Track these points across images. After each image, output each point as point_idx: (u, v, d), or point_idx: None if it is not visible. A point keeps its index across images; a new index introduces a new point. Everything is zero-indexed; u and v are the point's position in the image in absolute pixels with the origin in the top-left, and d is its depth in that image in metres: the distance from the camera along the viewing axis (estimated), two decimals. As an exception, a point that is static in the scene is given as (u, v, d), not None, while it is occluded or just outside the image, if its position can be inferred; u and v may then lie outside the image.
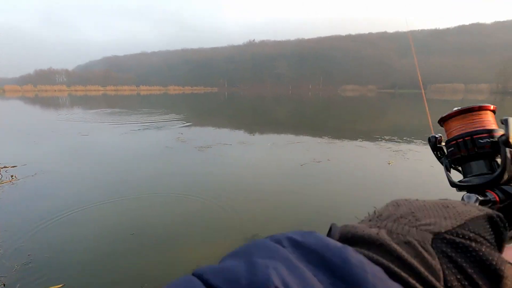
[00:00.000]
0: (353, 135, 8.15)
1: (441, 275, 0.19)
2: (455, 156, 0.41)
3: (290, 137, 8.15)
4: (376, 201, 3.49)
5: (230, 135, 8.14)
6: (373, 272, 0.18)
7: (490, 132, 0.37)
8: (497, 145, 0.37)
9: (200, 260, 2.28)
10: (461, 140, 0.37)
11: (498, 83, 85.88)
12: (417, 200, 0.25)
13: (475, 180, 0.38)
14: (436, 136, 0.48)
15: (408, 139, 7.52)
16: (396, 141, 7.18)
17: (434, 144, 0.45)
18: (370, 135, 8.17)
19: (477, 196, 0.37)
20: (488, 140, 0.37)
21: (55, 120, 12.18)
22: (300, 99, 39.03)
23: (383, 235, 0.20)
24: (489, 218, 0.23)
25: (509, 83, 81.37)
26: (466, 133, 0.39)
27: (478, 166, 0.38)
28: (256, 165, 5.08)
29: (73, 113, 15.48)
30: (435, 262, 0.19)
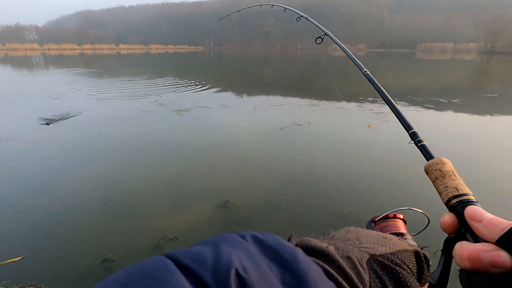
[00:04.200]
0: (337, 97, 8.01)
1: (368, 285, 0.24)
2: None
3: (274, 99, 7.95)
4: (351, 164, 3.48)
5: (212, 98, 7.85)
6: (315, 269, 0.22)
7: (402, 234, 0.43)
8: None
9: (170, 228, 2.24)
10: None
11: (487, 43, 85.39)
12: (365, 229, 0.32)
13: None
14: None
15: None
16: (380, 103, 7.11)
17: None
18: (354, 97, 8.06)
19: None
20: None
21: (27, 82, 11.37)
22: (288, 58, 37.82)
23: (331, 249, 0.25)
24: (416, 253, 0.30)
25: (498, 42, 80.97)
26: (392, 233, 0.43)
27: None
28: (233, 130, 4.94)
29: (50, 74, 14.47)
30: (366, 275, 0.25)
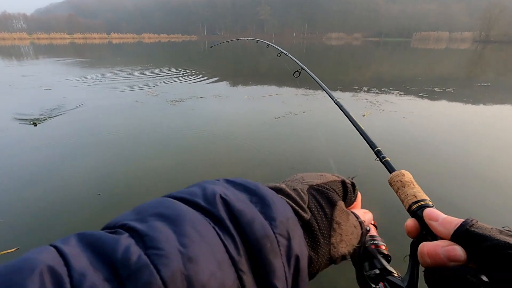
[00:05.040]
0: (332, 86, 7.98)
1: (307, 203, 0.34)
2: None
3: (269, 88, 7.90)
4: (343, 153, 3.51)
5: (206, 88, 7.77)
6: (271, 192, 0.32)
7: (374, 237, 0.46)
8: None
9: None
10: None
11: (482, 31, 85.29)
12: (308, 173, 0.40)
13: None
14: None
15: (386, 89, 7.48)
16: (375, 92, 7.12)
17: None
18: (349, 86, 8.06)
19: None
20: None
21: (20, 74, 11.10)
22: (283, 47, 37.39)
23: (283, 185, 0.35)
24: (342, 182, 0.39)
25: (493, 31, 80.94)
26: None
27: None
28: (228, 120, 4.92)
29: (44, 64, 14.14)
30: (306, 197, 0.34)
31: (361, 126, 0.88)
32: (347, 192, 0.39)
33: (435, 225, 0.35)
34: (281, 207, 0.30)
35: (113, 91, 7.23)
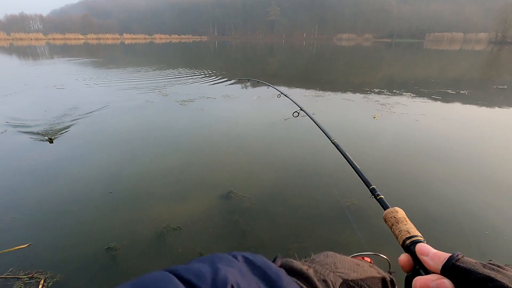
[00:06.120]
0: (342, 88, 7.91)
1: None
2: None
3: (278, 89, 7.86)
4: (355, 156, 3.45)
5: (216, 88, 7.80)
6: (293, 285, 0.26)
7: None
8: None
9: (173, 218, 2.26)
10: None
11: (498, 32, 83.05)
12: (342, 255, 0.36)
13: None
14: None
15: (397, 91, 7.36)
16: (386, 94, 7.01)
17: None
18: (360, 88, 7.95)
19: None
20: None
21: (40, 73, 11.40)
22: (293, 48, 37.30)
23: (310, 272, 0.30)
24: (383, 279, 0.36)
25: (509, 32, 78.69)
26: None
27: None
28: (237, 120, 4.92)
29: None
30: None
31: (357, 165, 0.95)
32: None
33: (426, 260, 0.36)
34: None
35: (126, 90, 7.33)
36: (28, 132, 4.14)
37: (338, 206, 2.41)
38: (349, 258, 0.36)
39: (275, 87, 2.87)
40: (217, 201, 2.50)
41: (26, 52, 26.17)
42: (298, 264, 0.31)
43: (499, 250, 2.00)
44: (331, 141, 1.23)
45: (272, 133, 4.25)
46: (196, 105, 5.72)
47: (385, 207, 0.63)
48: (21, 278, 1.70)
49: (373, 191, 0.76)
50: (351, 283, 0.32)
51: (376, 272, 0.36)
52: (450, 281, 0.32)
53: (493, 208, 2.45)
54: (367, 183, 0.82)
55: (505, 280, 0.28)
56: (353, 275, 0.33)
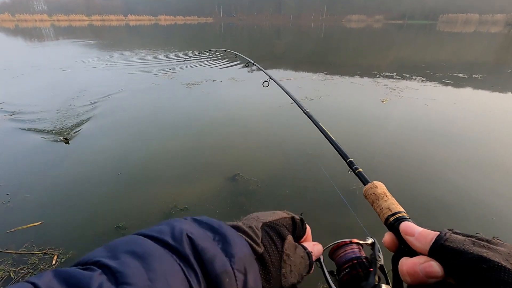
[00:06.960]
0: (350, 71, 7.74)
1: (261, 238, 0.37)
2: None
3: (285, 73, 7.75)
4: (361, 140, 3.42)
5: (222, 71, 7.71)
6: (232, 231, 0.35)
7: (360, 258, 0.43)
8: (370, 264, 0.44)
9: (180, 199, 2.30)
10: (355, 261, 0.43)
11: (516, 14, 79.21)
12: (263, 211, 0.44)
13: None
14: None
15: (407, 75, 7.17)
16: (395, 78, 6.85)
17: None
18: (368, 71, 7.78)
19: None
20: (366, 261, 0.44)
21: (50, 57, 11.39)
22: (301, 30, 36.35)
23: (240, 224, 0.38)
24: (292, 218, 0.43)
25: (528, 13, 74.97)
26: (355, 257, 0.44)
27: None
28: (243, 104, 4.89)
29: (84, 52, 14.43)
30: (259, 233, 0.38)
31: (332, 136, 0.89)
32: (296, 227, 0.43)
33: (412, 240, 0.35)
34: (240, 244, 0.34)
35: (132, 72, 7.30)
36: (37, 114, 4.19)
37: (347, 189, 2.42)
38: (268, 212, 0.44)
39: (244, 56, 2.89)
40: (224, 183, 2.53)
41: (32, 34, 26.07)
42: (230, 222, 0.39)
43: (507, 234, 1.99)
44: (304, 111, 1.18)
45: (279, 117, 4.22)
46: (201, 88, 5.68)
47: (364, 182, 0.59)
48: (36, 253, 1.77)
49: (350, 165, 0.71)
50: (268, 224, 0.40)
51: (286, 214, 0.43)
52: (438, 264, 0.30)
53: (501, 196, 2.43)
54: (343, 156, 0.76)
55: (498, 258, 0.27)
56: (269, 219, 0.41)
